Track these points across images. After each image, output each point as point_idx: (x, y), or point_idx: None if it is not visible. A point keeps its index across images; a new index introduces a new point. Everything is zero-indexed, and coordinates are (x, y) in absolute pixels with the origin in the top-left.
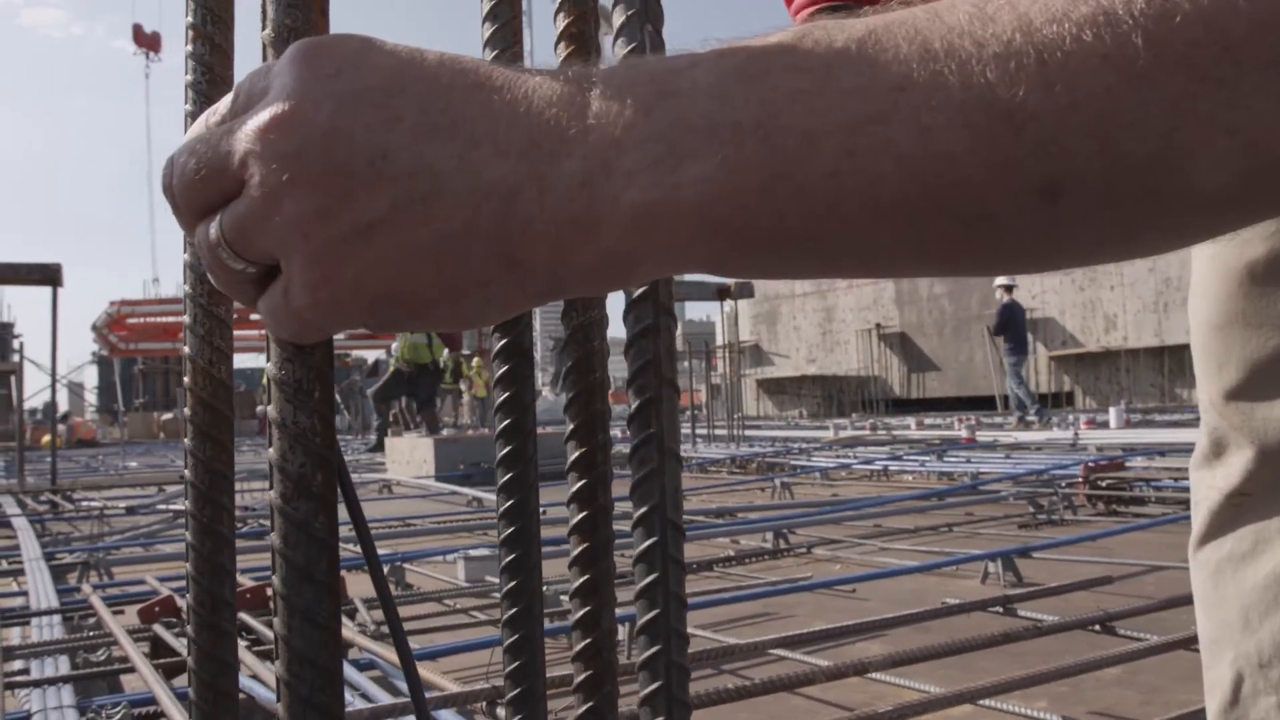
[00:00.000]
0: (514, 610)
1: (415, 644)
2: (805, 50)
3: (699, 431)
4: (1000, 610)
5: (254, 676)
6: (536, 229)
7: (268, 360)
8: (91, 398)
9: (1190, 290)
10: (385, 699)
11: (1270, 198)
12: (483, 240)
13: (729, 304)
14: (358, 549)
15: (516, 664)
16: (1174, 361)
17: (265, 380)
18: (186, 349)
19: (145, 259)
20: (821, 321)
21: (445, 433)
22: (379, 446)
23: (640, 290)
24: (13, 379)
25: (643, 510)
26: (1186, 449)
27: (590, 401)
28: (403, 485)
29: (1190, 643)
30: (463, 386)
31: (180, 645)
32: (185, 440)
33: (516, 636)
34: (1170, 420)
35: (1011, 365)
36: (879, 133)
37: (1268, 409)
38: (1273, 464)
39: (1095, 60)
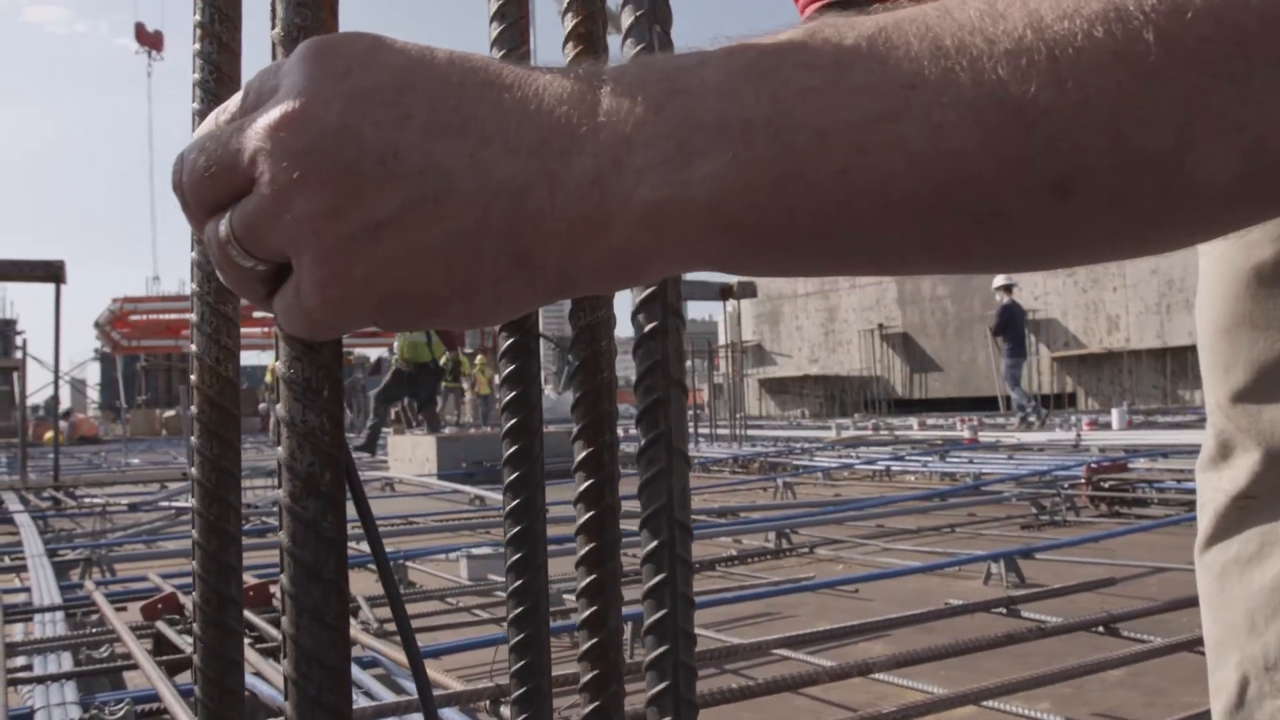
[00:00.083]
0: (520, 609)
1: (418, 642)
2: (815, 48)
3: (701, 431)
4: (1004, 611)
5: (257, 674)
6: (547, 227)
7: (276, 358)
8: (94, 394)
9: (1197, 293)
10: (389, 697)
11: None
12: (494, 238)
13: (731, 303)
14: (359, 546)
15: (522, 663)
16: (1176, 363)
17: (267, 377)
18: (194, 347)
19: (148, 256)
20: (824, 321)
21: (447, 431)
22: (368, 447)
23: (648, 291)
24: (15, 375)
25: (650, 510)
26: (1189, 450)
27: (598, 401)
28: (405, 483)
29: (1194, 645)
30: (465, 385)
31: (183, 642)
32: (192, 438)
33: (522, 635)
34: (1173, 422)
35: (1008, 367)
36: (890, 130)
37: (1275, 411)
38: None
39: (1106, 56)
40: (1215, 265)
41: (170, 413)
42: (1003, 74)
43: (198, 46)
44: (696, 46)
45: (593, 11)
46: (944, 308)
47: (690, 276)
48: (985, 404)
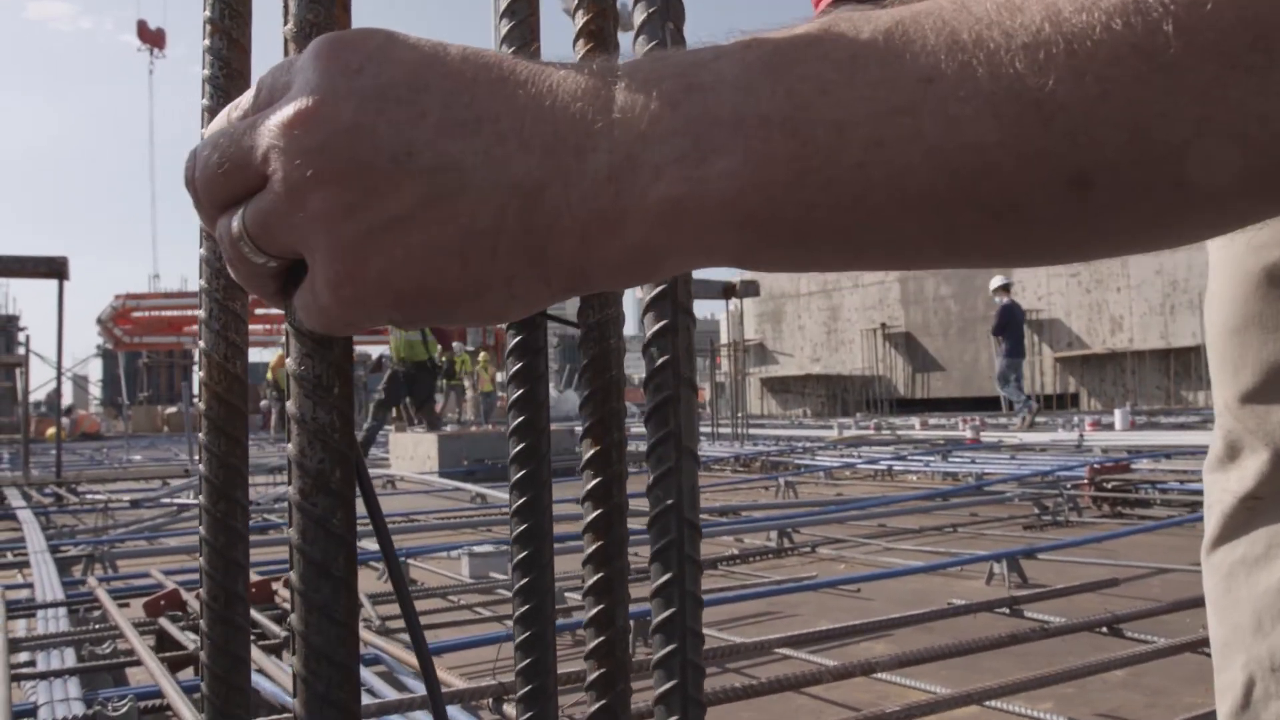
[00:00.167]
0: (526, 607)
1: None
2: (831, 42)
3: (703, 430)
4: (1006, 611)
5: (258, 670)
6: (563, 224)
7: (287, 355)
8: (96, 391)
9: (1206, 294)
10: (391, 694)
11: None
12: (508, 236)
13: (734, 302)
14: (362, 544)
15: (528, 660)
16: (1180, 364)
17: (269, 374)
18: (201, 343)
19: (150, 253)
20: (827, 320)
21: (449, 428)
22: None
23: (659, 289)
24: (18, 372)
25: (659, 509)
26: (1192, 451)
27: (606, 399)
28: (406, 481)
29: (1197, 645)
30: (467, 382)
31: (186, 639)
32: (200, 435)
33: (528, 634)
34: (1176, 423)
35: (1004, 366)
36: (907, 124)
37: None
38: None
39: (1125, 49)
40: (1224, 267)
41: (172, 409)
42: (1020, 67)
43: (208, 42)
44: (710, 41)
45: (604, 8)
46: (947, 307)
47: (693, 274)
48: (988, 404)
